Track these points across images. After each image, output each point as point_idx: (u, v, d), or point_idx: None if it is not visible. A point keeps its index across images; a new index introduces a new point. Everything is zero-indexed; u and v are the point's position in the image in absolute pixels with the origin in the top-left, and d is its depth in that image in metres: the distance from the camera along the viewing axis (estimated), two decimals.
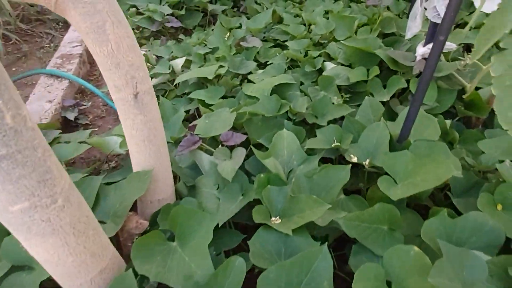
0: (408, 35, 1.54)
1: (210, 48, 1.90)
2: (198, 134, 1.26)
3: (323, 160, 1.31)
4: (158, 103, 1.51)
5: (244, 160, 1.23)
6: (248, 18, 2.43)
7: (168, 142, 1.38)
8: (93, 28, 0.80)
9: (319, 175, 1.03)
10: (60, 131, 1.40)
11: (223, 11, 2.58)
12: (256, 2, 2.64)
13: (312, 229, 0.97)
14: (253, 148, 1.13)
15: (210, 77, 1.51)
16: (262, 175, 1.08)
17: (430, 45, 1.32)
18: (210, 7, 2.52)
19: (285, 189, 1.01)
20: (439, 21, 1.43)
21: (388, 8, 2.25)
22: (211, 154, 1.19)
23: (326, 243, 0.78)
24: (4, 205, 0.60)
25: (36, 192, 0.61)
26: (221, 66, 1.73)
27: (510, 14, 0.53)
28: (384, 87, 1.52)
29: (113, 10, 0.82)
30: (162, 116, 1.49)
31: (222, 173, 1.07)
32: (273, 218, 0.95)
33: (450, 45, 1.50)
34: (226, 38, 1.92)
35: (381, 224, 0.93)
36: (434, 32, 1.46)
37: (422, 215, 1.22)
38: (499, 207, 1.01)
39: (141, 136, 1.00)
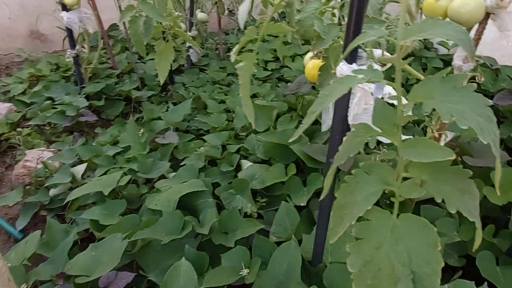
0: (324, 127, 1.48)
1: (121, 147, 1.74)
2: (78, 276, 1.03)
3: None
4: (45, 225, 1.29)
5: None
6: (175, 104, 2.34)
7: (48, 281, 1.13)
8: None
9: None
10: None
11: (149, 97, 2.47)
12: (184, 86, 2.57)
13: None
14: None
15: (106, 192, 1.32)
16: None
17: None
18: (135, 94, 2.41)
19: None
20: None
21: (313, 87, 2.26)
22: None
23: None
24: None
25: None
26: (130, 171, 1.55)
27: (359, 195, 0.41)
28: (305, 184, 1.41)
29: None
30: (50, 244, 1.27)
31: None
32: None
33: None
34: (140, 135, 1.77)
35: None
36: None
37: None
38: None
39: None
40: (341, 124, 0.80)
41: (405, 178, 0.44)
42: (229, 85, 2.57)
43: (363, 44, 0.73)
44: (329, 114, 1.51)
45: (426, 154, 0.38)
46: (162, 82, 1.13)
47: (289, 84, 2.50)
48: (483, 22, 1.00)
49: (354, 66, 0.70)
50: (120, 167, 1.59)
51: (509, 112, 1.87)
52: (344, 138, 0.47)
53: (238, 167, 1.55)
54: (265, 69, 2.79)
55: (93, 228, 1.24)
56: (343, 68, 0.71)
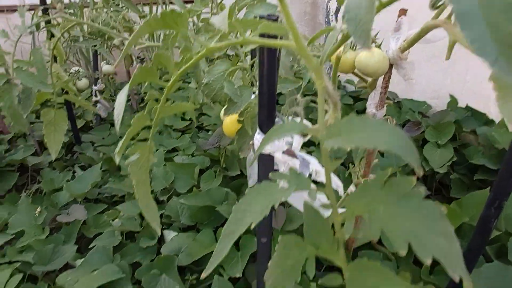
0: (250, 182, 1.38)
1: (12, 234, 1.42)
2: None
3: None
4: None
5: None
6: (84, 168, 2.06)
7: None
8: None
9: None
10: None
11: (51, 163, 2.15)
12: (93, 145, 2.30)
13: None
14: None
15: None
16: None
17: None
18: (32, 161, 2.07)
19: None
20: None
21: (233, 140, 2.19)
22: None
23: None
24: None
25: None
26: (24, 264, 1.26)
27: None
28: (238, 247, 1.28)
29: None
30: None
31: None
32: None
33: None
34: (37, 214, 1.47)
35: None
36: None
37: None
38: None
39: None
40: None
41: None
42: (145, 140, 2.37)
43: (278, 111, 0.66)
44: (254, 168, 1.43)
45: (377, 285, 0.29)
46: (54, 158, 0.93)
47: (209, 133, 2.42)
48: (388, 72, 1.04)
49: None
50: (10, 262, 1.28)
51: (416, 141, 2.01)
52: (272, 260, 0.36)
53: (162, 238, 1.36)
54: (183, 119, 2.66)
55: None
56: (260, 140, 0.63)
